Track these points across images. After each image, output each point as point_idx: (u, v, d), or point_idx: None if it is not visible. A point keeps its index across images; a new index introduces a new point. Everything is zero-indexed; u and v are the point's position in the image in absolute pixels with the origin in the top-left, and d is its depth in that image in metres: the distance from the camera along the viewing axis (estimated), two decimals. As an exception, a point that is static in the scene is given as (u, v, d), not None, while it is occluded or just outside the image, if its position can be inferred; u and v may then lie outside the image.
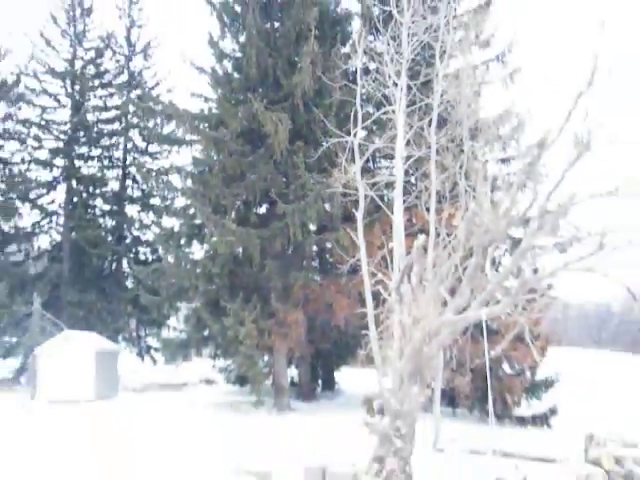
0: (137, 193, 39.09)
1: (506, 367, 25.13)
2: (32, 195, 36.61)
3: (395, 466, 11.49)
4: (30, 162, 36.68)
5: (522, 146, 14.24)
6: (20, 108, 35.64)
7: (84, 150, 37.84)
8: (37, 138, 36.86)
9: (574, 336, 71.13)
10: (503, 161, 19.89)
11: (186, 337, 29.74)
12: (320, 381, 31.41)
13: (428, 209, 13.58)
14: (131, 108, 38.41)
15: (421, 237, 12.52)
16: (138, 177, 38.93)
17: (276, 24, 26.73)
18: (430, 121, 14.07)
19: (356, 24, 27.26)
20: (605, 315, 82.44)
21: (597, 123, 12.32)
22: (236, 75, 27.35)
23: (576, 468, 14.27)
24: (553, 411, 25.56)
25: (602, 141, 12.45)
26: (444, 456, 18.01)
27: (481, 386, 17.56)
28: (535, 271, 14.35)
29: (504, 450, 18.12)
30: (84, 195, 37.88)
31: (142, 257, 38.56)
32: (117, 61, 38.91)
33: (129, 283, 37.89)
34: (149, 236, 38.41)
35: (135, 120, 38.68)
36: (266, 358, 26.77)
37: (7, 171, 35.65)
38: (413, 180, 17.61)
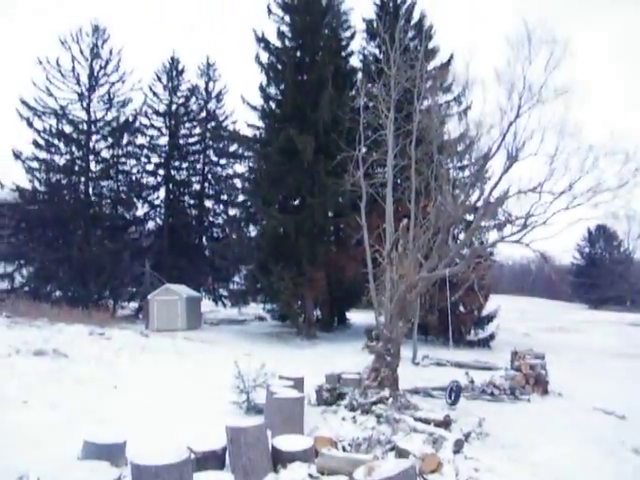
0: (212, 192, 39.32)
1: (462, 308, 25.09)
2: (144, 194, 37.07)
3: (387, 374, 11.50)
4: (143, 172, 37.16)
5: (473, 158, 14.02)
6: (137, 137, 36.04)
7: (177, 164, 38.21)
8: (147, 156, 37.37)
9: (506, 287, 70.76)
10: (460, 168, 19.74)
11: (245, 289, 30.22)
12: (336, 318, 31.40)
13: (410, 201, 13.48)
14: (208, 134, 38.74)
15: (405, 220, 12.48)
16: (213, 181, 39.23)
17: (305, 76, 26.50)
18: (411, 141, 13.94)
19: (359, 75, 26.97)
20: (526, 272, 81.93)
21: (522, 142, 12.24)
22: (277, 111, 27.29)
23: (505, 373, 14.27)
24: (492, 337, 25.60)
25: (526, 154, 12.35)
26: (419, 367, 18.05)
27: (444, 321, 17.47)
28: (481, 243, 14.27)
29: (458, 362, 18.16)
30: (177, 194, 38.37)
31: (215, 235, 38.90)
32: (199, 104, 39.16)
33: (207, 253, 38.09)
34: (220, 221, 38.65)
35: (211, 142, 38.97)
36: (299, 302, 26.72)
37: (128, 179, 36.02)
38: (399, 181, 17.51)
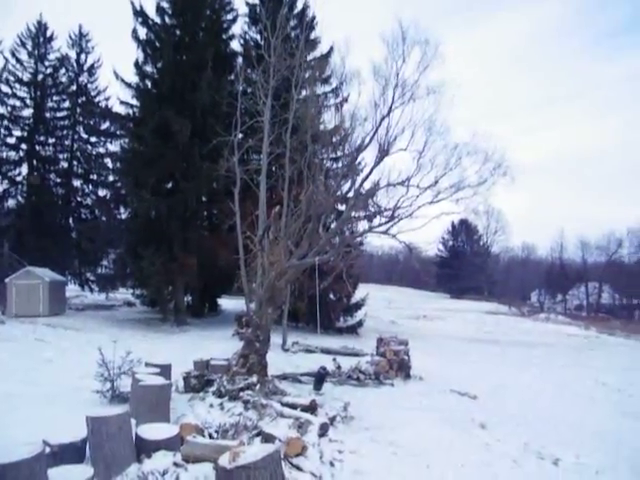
0: (81, 171, 37.19)
1: (331, 295, 25.57)
2: (3, 169, 34.56)
3: (255, 360, 11.49)
4: (2, 145, 34.59)
5: (346, 150, 14.30)
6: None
7: (42, 138, 35.77)
8: (7, 128, 34.78)
9: (375, 276, 73.29)
10: (334, 159, 20.10)
11: (113, 273, 29.46)
12: (207, 304, 31.00)
13: (283, 189, 13.51)
14: (78, 110, 36.57)
15: (277, 207, 12.48)
16: (82, 159, 37.13)
17: (184, 57, 25.73)
18: (286, 129, 13.96)
19: (239, 60, 26.63)
20: (394, 262, 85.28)
21: (393, 137, 12.66)
22: (154, 90, 26.28)
23: (371, 358, 14.73)
24: (360, 324, 26.36)
25: (397, 149, 12.81)
26: (288, 353, 18.21)
27: (314, 308, 17.73)
28: (351, 232, 14.61)
29: (327, 348, 18.54)
30: (41, 171, 35.93)
31: (83, 216, 36.92)
32: (69, 76, 36.81)
33: (74, 234, 36.11)
34: (88, 202, 36.71)
35: (81, 118, 36.81)
36: (170, 288, 26.09)
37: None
38: (274, 169, 17.50)
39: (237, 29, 29.17)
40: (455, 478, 7.04)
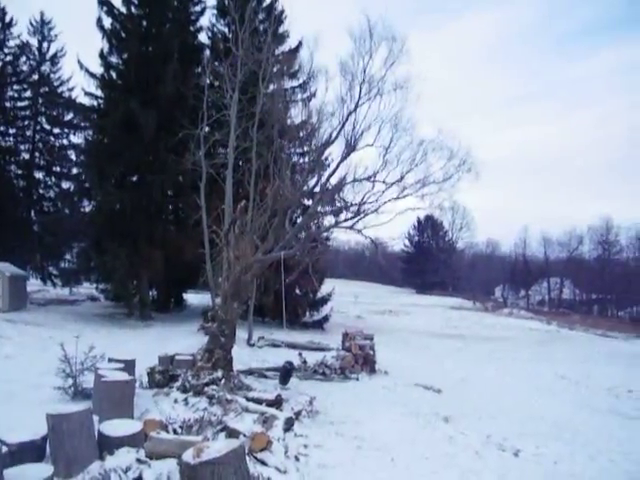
0: (43, 162, 36.22)
1: (297, 290, 25.57)
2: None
3: (220, 355, 11.43)
4: (-42, 135, 33.33)
5: (313, 145, 14.31)
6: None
7: (2, 129, 34.68)
8: (-37, 118, 33.44)
9: (341, 271, 73.60)
10: (301, 154, 20.05)
11: (77, 267, 28.92)
12: (173, 299, 30.68)
13: (249, 183, 13.47)
14: (40, 100, 35.62)
15: (243, 202, 12.42)
16: (44, 151, 36.20)
17: (150, 48, 25.31)
18: (253, 123, 13.91)
19: (207, 53, 26.30)
20: (361, 257, 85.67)
21: (360, 132, 12.73)
22: (119, 81, 25.75)
23: (336, 353, 14.81)
24: (326, 319, 26.49)
25: (363, 144, 12.88)
26: (254, 348, 18.18)
27: (280, 303, 17.74)
28: (317, 227, 14.63)
29: (293, 343, 18.56)
30: (1, 162, 34.86)
31: (45, 209, 36.02)
32: (31, 65, 35.72)
33: (35, 228, 35.25)
34: (51, 194, 35.85)
35: (43, 109, 35.85)
36: (134, 283, 25.75)
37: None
38: (240, 163, 17.41)
39: (205, 21, 28.85)
40: (419, 470, 7.13)
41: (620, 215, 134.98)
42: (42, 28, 36.27)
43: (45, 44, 36.25)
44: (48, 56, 36.16)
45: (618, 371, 19.23)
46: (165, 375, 10.96)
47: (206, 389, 9.90)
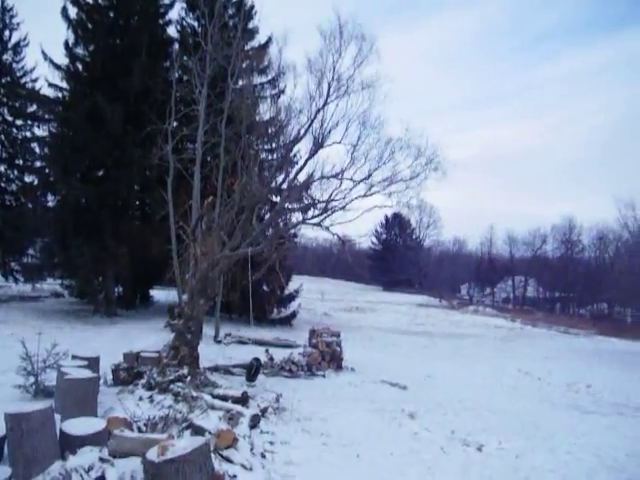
0: (5, 155, 35.38)
1: (265, 287, 25.49)
2: None
3: (186, 352, 11.35)
4: None
5: (281, 141, 14.31)
6: None
7: (-39, 121, 33.80)
8: None
9: (309, 268, 73.48)
10: (269, 150, 20.00)
11: (40, 263, 28.26)
12: (139, 295, 30.29)
13: (217, 179, 13.40)
14: (2, 91, 34.73)
15: (211, 198, 12.35)
16: (6, 143, 35.34)
17: (117, 40, 24.89)
18: (222, 119, 13.83)
19: (175, 47, 25.97)
20: (328, 254, 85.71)
21: (328, 129, 12.76)
22: (85, 74, 25.21)
23: (303, 350, 14.83)
24: (293, 315, 26.48)
25: (331, 141, 12.93)
26: (221, 345, 18.10)
27: (247, 299, 17.70)
28: (285, 224, 14.63)
29: (260, 340, 18.52)
30: (-39, 154, 34.01)
31: (7, 203, 35.19)
32: (-9, 55, 34.87)
33: (-4, 222, 34.49)
34: (13, 188, 35.01)
35: (5, 100, 34.97)
36: (100, 279, 25.37)
37: None
38: (208, 159, 17.28)
39: (174, 14, 28.38)
40: (384, 466, 7.19)
41: (582, 215, 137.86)
42: (3, 16, 35.17)
43: (7, 32, 35.23)
44: (10, 45, 35.12)
45: (578, 367, 19.73)
46: (130, 372, 10.82)
47: (172, 386, 9.80)
